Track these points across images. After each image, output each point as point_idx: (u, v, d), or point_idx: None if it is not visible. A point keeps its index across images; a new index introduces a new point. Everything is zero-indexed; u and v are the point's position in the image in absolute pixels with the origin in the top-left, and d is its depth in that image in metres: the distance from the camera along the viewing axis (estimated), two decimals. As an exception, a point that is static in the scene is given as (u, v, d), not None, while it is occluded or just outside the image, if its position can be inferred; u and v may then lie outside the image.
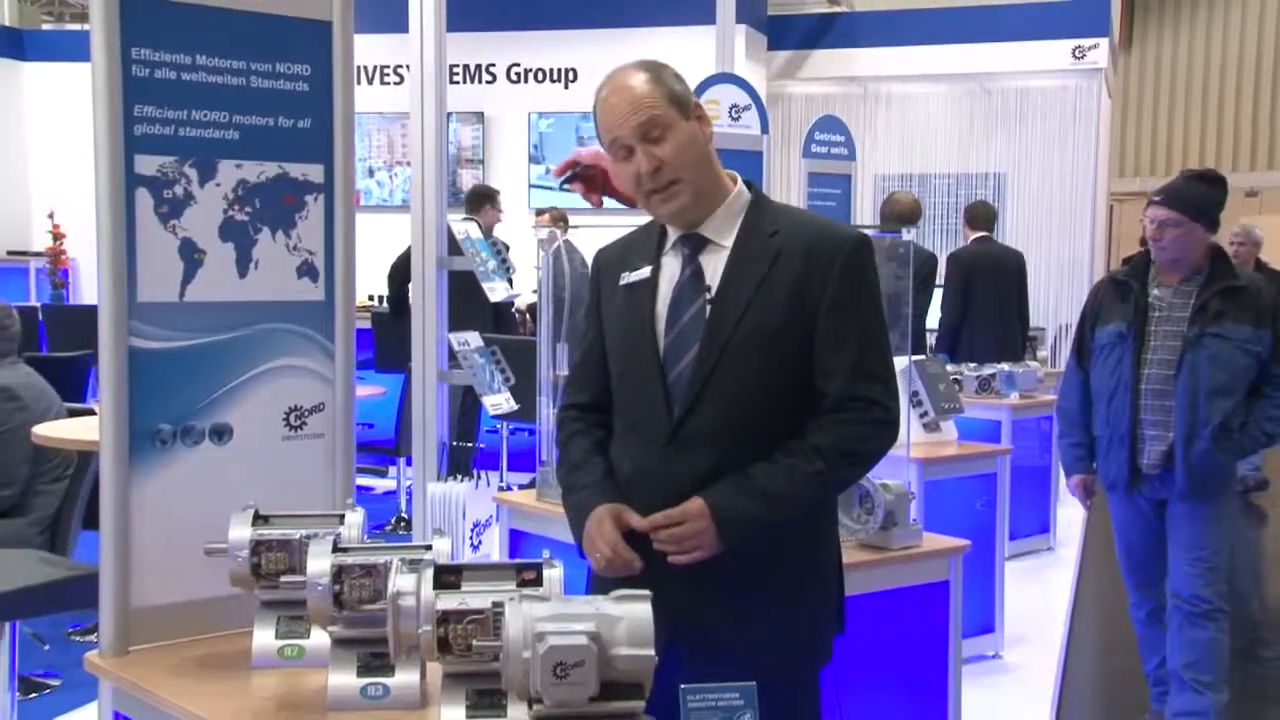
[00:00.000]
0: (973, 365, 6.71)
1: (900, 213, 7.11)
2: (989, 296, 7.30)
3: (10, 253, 11.42)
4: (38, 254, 11.45)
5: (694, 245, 2.25)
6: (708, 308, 2.20)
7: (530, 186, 10.86)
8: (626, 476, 2.27)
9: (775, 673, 2.16)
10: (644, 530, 2.16)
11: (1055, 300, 10.72)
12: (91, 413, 4.68)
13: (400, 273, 7.54)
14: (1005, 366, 6.73)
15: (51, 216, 11.04)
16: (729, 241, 2.24)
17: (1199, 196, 3.87)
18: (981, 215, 7.71)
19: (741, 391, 2.18)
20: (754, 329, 2.17)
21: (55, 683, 4.65)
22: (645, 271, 2.27)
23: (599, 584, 2.21)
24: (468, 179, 10.72)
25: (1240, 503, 6.26)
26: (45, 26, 15.90)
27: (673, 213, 2.24)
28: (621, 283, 2.31)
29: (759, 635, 2.20)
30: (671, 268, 2.27)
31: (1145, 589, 4.16)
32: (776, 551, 2.21)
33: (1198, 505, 3.89)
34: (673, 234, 2.29)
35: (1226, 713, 4.00)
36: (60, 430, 4.51)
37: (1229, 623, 3.97)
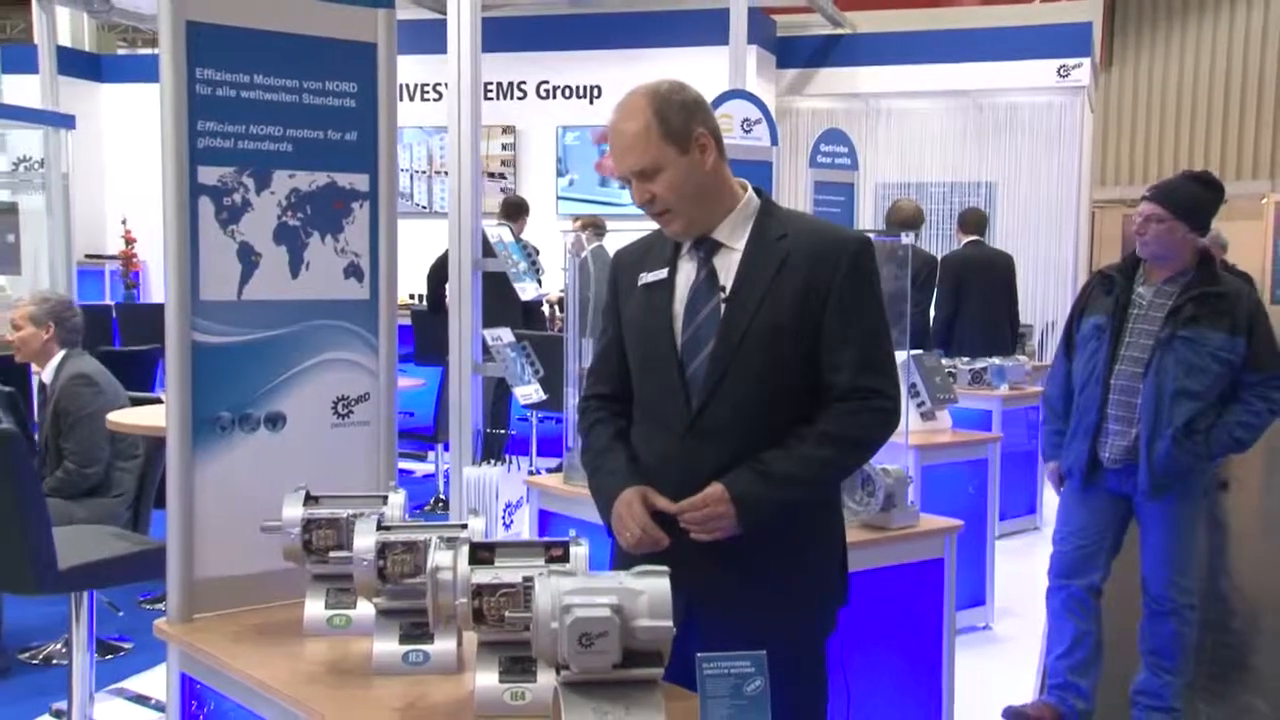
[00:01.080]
0: (965, 359, 6.68)
1: (903, 219, 7.08)
2: (980, 296, 7.26)
3: (87, 256, 11.48)
4: (112, 257, 11.51)
5: (708, 249, 2.24)
6: (722, 306, 2.19)
7: (558, 197, 10.84)
8: (647, 464, 2.26)
9: (786, 641, 2.15)
10: (671, 513, 2.16)
11: (1042, 299, 10.66)
12: (159, 401, 4.70)
13: (438, 273, 7.56)
14: (996, 360, 6.70)
15: (124, 223, 11.10)
16: (740, 245, 2.23)
17: (1187, 196, 3.67)
18: (973, 220, 7.67)
19: (754, 384, 2.17)
20: (766, 326, 2.16)
21: (128, 646, 4.68)
22: (663, 273, 2.27)
23: (623, 560, 2.20)
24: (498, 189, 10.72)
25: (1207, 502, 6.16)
26: (120, 51, 15.99)
27: (671, 233, 2.26)
28: (640, 283, 2.30)
29: (771, 607, 2.20)
30: (688, 269, 2.26)
31: (1067, 578, 3.94)
32: (788, 530, 2.21)
33: (1166, 505, 3.71)
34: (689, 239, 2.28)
35: (1185, 692, 3.94)
36: (134, 417, 4.53)
37: (1195, 615, 3.86)
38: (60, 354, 4.70)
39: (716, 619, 2.18)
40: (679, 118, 2.19)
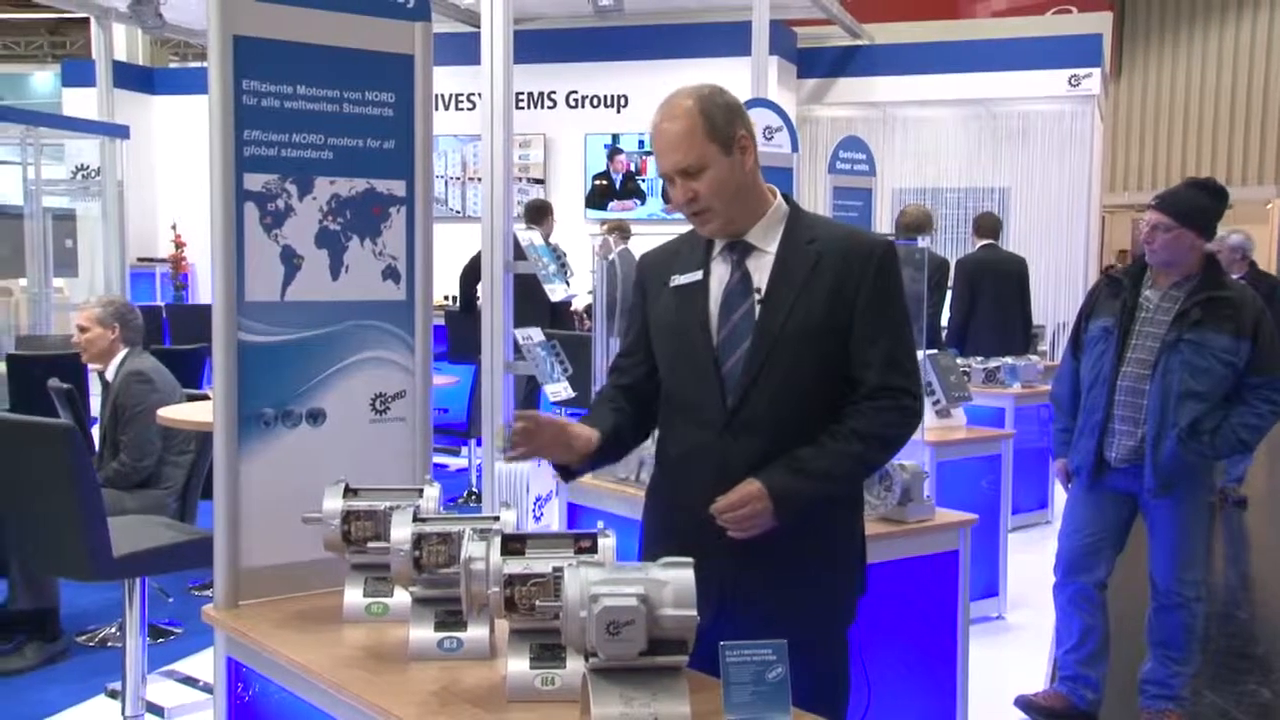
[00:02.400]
0: (979, 359, 6.63)
1: (910, 223, 7.05)
2: (994, 297, 7.21)
3: (139, 259, 11.58)
4: (162, 260, 11.61)
5: (741, 251, 2.23)
6: (757, 307, 2.18)
7: (585, 203, 10.84)
8: (680, 457, 2.25)
9: (810, 631, 2.15)
10: (718, 510, 2.12)
11: (1054, 300, 10.59)
12: (207, 398, 4.72)
13: (469, 275, 7.57)
14: (1009, 360, 6.66)
15: (174, 228, 11.20)
16: (772, 248, 2.22)
17: (1192, 203, 3.63)
18: (987, 225, 7.61)
19: (788, 382, 2.16)
20: (799, 326, 2.16)
21: (178, 630, 4.71)
22: (696, 275, 2.25)
23: (651, 553, 2.20)
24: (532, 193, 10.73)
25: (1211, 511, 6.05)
26: (172, 65, 16.13)
27: (708, 232, 2.25)
28: (670, 285, 2.28)
29: (797, 599, 2.19)
30: (720, 271, 2.24)
31: (1074, 574, 3.90)
32: (815, 524, 2.19)
33: (1172, 504, 3.67)
34: (719, 241, 2.26)
35: (1193, 680, 3.90)
36: (182, 412, 4.56)
37: (1202, 607, 3.81)
38: (123, 353, 4.75)
39: (744, 612, 2.16)
40: (723, 118, 2.17)
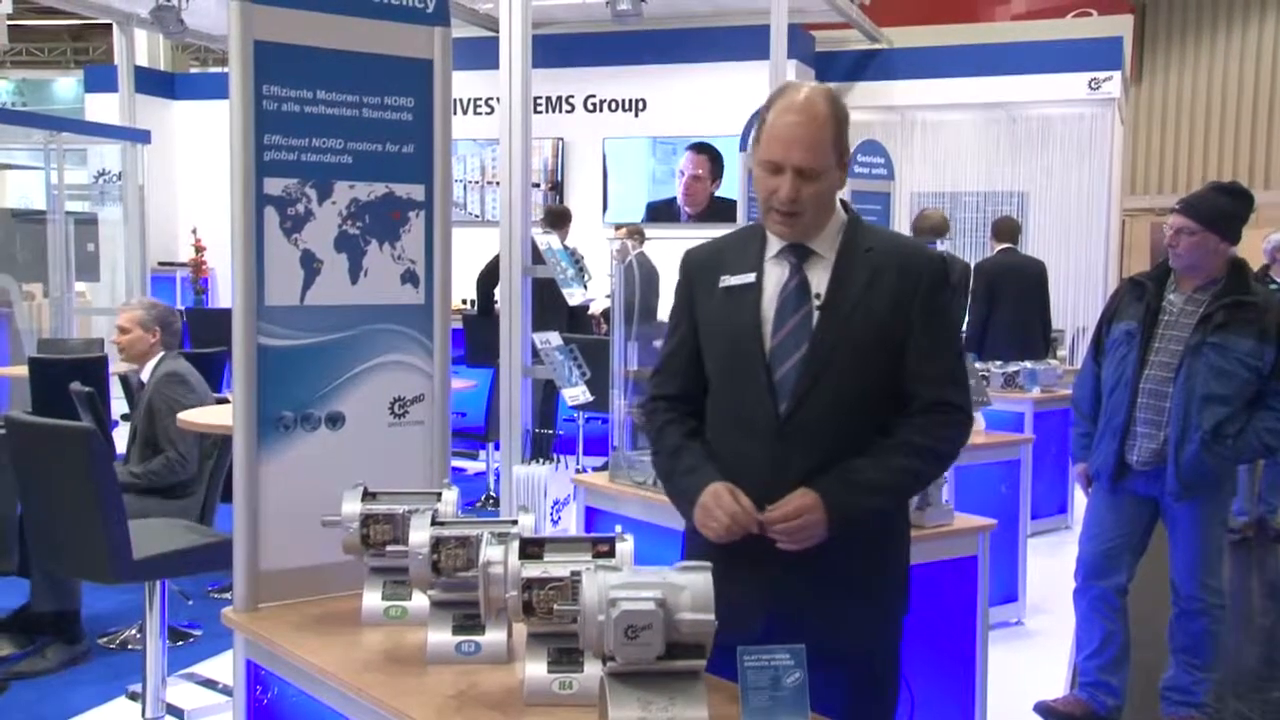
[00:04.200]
0: (998, 363, 6.60)
1: (930, 226, 7.04)
2: (1013, 301, 7.18)
3: (160, 263, 11.64)
4: (183, 264, 11.66)
5: (800, 255, 2.18)
6: (815, 314, 2.13)
7: (603, 205, 10.85)
8: (729, 465, 2.16)
9: (861, 644, 2.15)
10: (764, 521, 2.07)
11: (1073, 304, 10.53)
12: (227, 401, 4.75)
13: (487, 279, 7.59)
14: (1028, 364, 6.62)
15: (194, 232, 11.24)
16: (830, 254, 2.17)
17: (1215, 207, 3.60)
18: (1006, 229, 7.58)
19: (843, 391, 2.12)
20: (857, 335, 2.12)
21: (197, 633, 4.73)
22: (750, 277, 2.19)
23: (695, 554, 2.15)
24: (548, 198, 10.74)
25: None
26: (192, 70, 16.23)
27: (784, 235, 2.18)
28: (721, 285, 2.21)
29: (848, 610, 2.15)
30: (776, 274, 2.18)
31: (1095, 579, 3.88)
32: (866, 534, 2.15)
33: (1194, 508, 3.65)
34: (776, 243, 2.21)
35: (1217, 687, 3.86)
36: (202, 416, 4.59)
37: (1225, 613, 3.79)
38: (158, 356, 4.80)
39: (794, 623, 2.10)
40: (845, 131, 2.15)
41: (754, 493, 2.10)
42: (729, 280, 2.21)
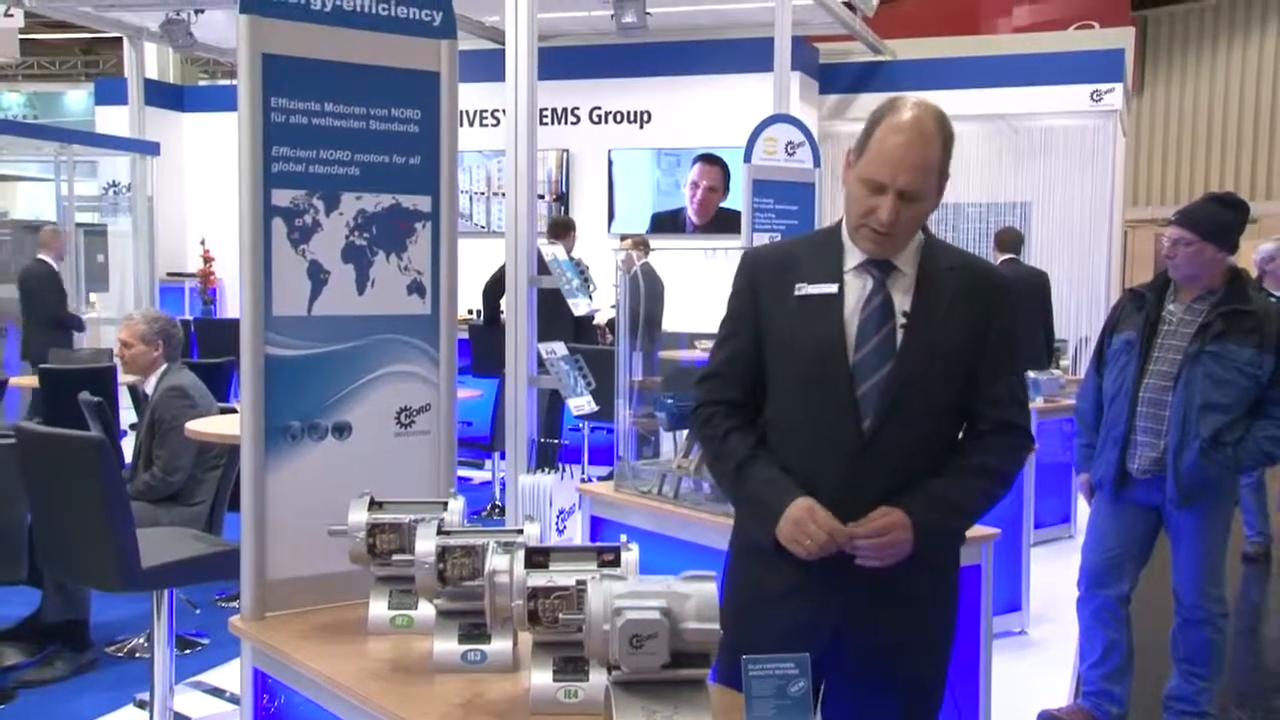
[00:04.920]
0: (1001, 373, 6.57)
1: (1009, 240, 7.53)
2: (1016, 311, 7.16)
3: (169, 274, 11.67)
4: (191, 275, 11.70)
5: (883, 270, 2.12)
6: (899, 331, 2.09)
7: (609, 216, 10.87)
8: (803, 480, 2.11)
9: (924, 668, 2.16)
10: (858, 535, 2.04)
11: (1076, 315, 10.52)
12: (235, 411, 4.75)
13: (492, 289, 7.60)
14: (1031, 374, 6.60)
15: (203, 243, 11.28)
16: (911, 271, 2.13)
17: (1212, 218, 3.62)
18: (1010, 239, 7.59)
19: (925, 409, 2.09)
20: (940, 353, 2.09)
21: (205, 641, 4.73)
22: (832, 287, 2.12)
23: (750, 578, 2.14)
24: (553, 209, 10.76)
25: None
26: (201, 83, 16.28)
27: (872, 250, 2.12)
28: (797, 292, 2.14)
29: (913, 633, 2.14)
30: (857, 287, 2.12)
31: (1098, 588, 3.87)
32: (934, 555, 2.14)
33: (1196, 516, 3.64)
34: (854, 253, 2.14)
35: (1220, 696, 3.85)
36: (210, 426, 4.59)
37: (1227, 622, 3.78)
38: (162, 368, 4.80)
39: (861, 641, 2.09)
40: (950, 152, 2.11)
41: (830, 508, 2.06)
42: (806, 289, 2.13)
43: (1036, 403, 6.46)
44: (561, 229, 7.98)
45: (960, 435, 2.18)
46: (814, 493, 2.08)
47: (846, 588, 2.07)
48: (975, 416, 2.15)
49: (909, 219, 2.07)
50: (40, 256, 8.79)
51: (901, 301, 2.11)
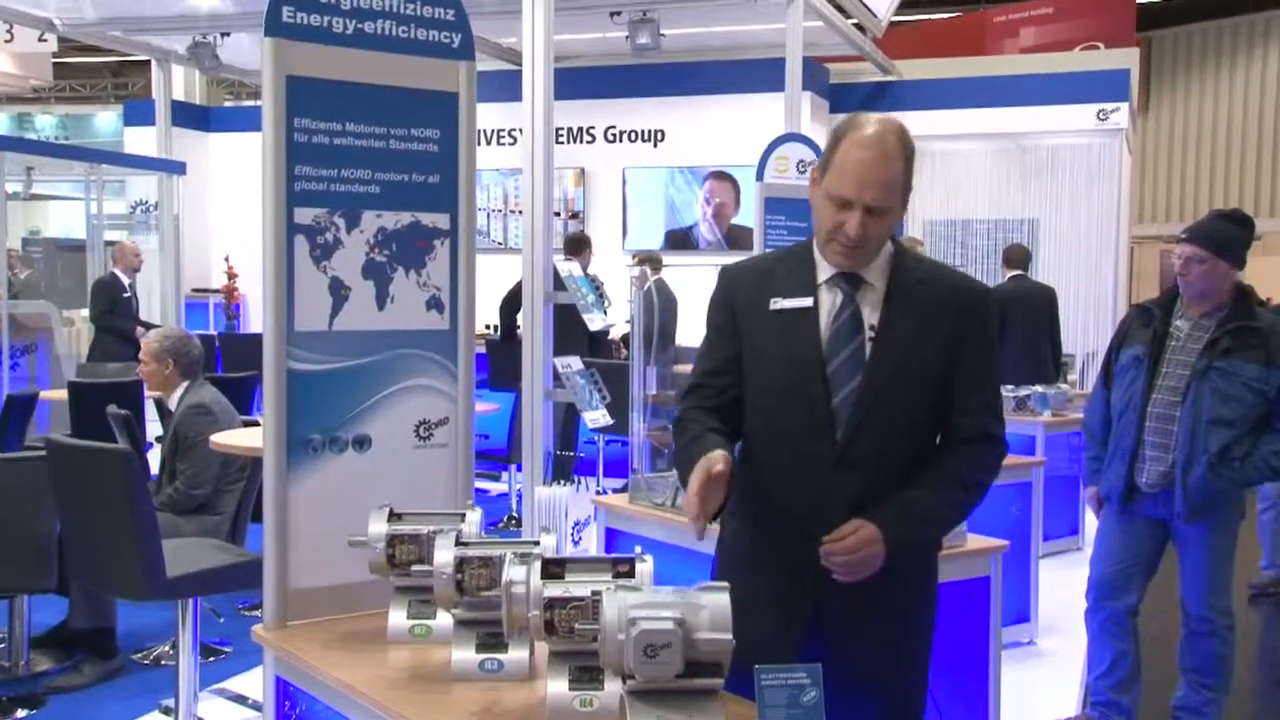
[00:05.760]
0: (1010, 387, 6.57)
1: (1016, 257, 7.51)
2: (1024, 327, 7.15)
3: (194, 290, 11.73)
4: (215, 291, 11.74)
5: (852, 283, 2.12)
6: (868, 344, 2.09)
7: (623, 233, 10.88)
8: (780, 492, 2.12)
9: (901, 671, 2.14)
10: (825, 553, 2.03)
11: (1083, 330, 10.48)
12: (258, 424, 4.77)
13: (509, 304, 7.61)
14: (1039, 388, 6.59)
15: (227, 260, 11.33)
16: (881, 284, 2.13)
17: (1223, 234, 3.60)
18: (1017, 256, 7.57)
19: (895, 420, 2.08)
20: (910, 366, 2.08)
21: (228, 650, 4.73)
22: (806, 301, 2.12)
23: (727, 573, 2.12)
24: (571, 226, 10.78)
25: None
26: (227, 104, 16.40)
27: (842, 263, 2.11)
28: (772, 306, 2.14)
29: (889, 639, 2.13)
30: (828, 301, 2.13)
31: (1106, 600, 3.83)
32: (911, 568, 2.14)
33: (1203, 530, 3.61)
34: (825, 268, 2.14)
35: (1227, 705, 3.81)
36: (233, 438, 4.60)
37: (1234, 634, 3.74)
38: (184, 384, 4.82)
39: (836, 650, 2.07)
40: (912, 166, 2.10)
41: (802, 520, 2.06)
42: (781, 303, 2.13)
43: (1044, 416, 6.44)
44: (578, 245, 7.99)
45: (936, 444, 2.17)
46: (786, 505, 2.10)
47: (822, 596, 2.06)
48: (950, 426, 2.13)
49: (876, 232, 2.07)
50: (113, 270, 8.93)
51: (870, 315, 2.11)
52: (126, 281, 8.77)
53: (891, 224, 2.10)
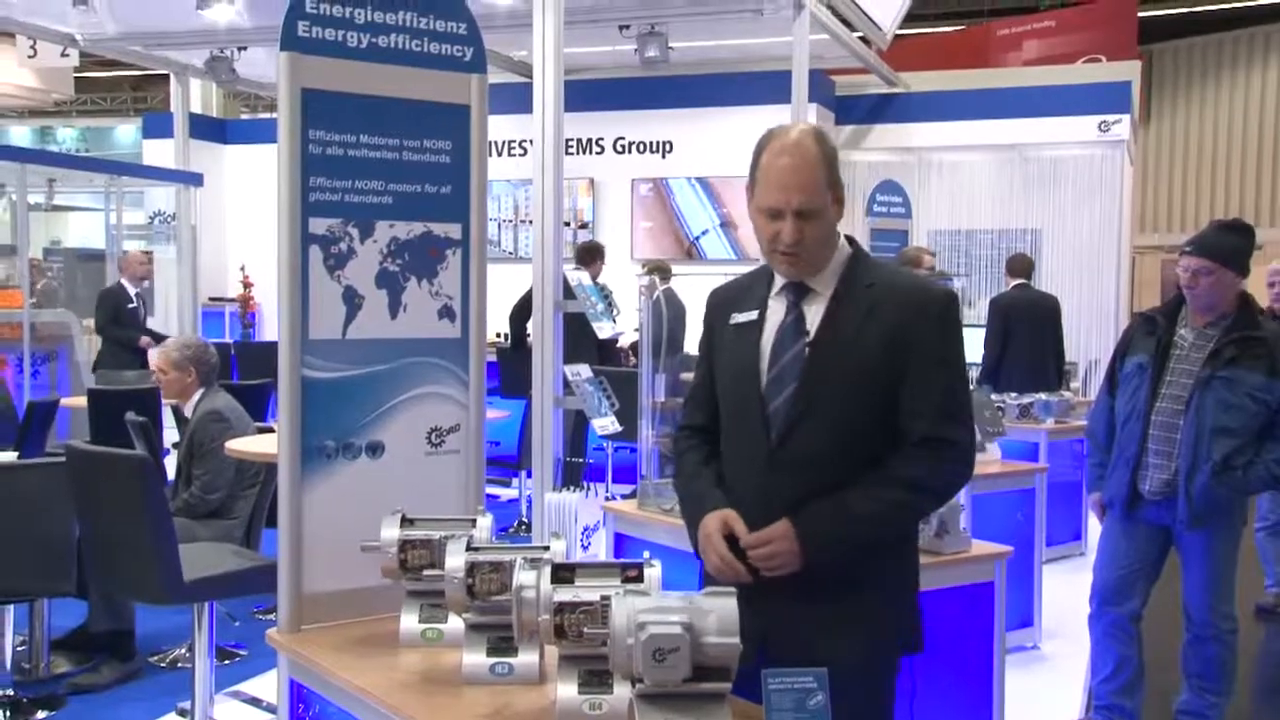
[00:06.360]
0: (1013, 395, 6.55)
1: (1020, 266, 7.46)
2: (1027, 335, 7.14)
3: (210, 299, 11.77)
4: (231, 300, 11.78)
5: (798, 293, 2.15)
6: (806, 350, 2.10)
7: (632, 243, 10.89)
8: (731, 493, 2.17)
9: (850, 667, 2.03)
10: (744, 546, 2.07)
11: (1085, 338, 10.45)
12: (272, 430, 4.77)
13: (520, 313, 7.62)
14: (1042, 395, 6.58)
15: (242, 269, 11.36)
16: (828, 291, 2.13)
17: (1227, 245, 3.58)
18: (1020, 265, 7.56)
19: (832, 425, 2.08)
20: (848, 371, 2.08)
21: (243, 653, 4.73)
22: (753, 314, 2.19)
23: (711, 580, 2.14)
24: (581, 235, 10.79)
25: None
26: (243, 116, 16.47)
27: (789, 274, 2.15)
28: (731, 322, 2.22)
29: (838, 635, 2.08)
30: (777, 312, 2.17)
31: (1109, 605, 3.81)
32: (861, 567, 2.10)
33: (1206, 536, 3.60)
34: (780, 280, 2.19)
35: (1230, 710, 3.79)
36: (249, 445, 4.61)
37: (1236, 639, 3.72)
38: (199, 392, 4.84)
39: (787, 648, 2.05)
40: (836, 166, 2.13)
41: (747, 521, 2.09)
42: (738, 318, 2.21)
43: (1047, 423, 6.42)
44: (589, 255, 7.97)
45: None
46: (736, 504, 2.13)
47: (770, 600, 2.04)
48: (900, 429, 2.10)
49: (813, 236, 2.09)
50: (119, 279, 8.92)
51: (813, 321, 2.13)
52: (133, 291, 8.73)
53: (828, 225, 2.12)
